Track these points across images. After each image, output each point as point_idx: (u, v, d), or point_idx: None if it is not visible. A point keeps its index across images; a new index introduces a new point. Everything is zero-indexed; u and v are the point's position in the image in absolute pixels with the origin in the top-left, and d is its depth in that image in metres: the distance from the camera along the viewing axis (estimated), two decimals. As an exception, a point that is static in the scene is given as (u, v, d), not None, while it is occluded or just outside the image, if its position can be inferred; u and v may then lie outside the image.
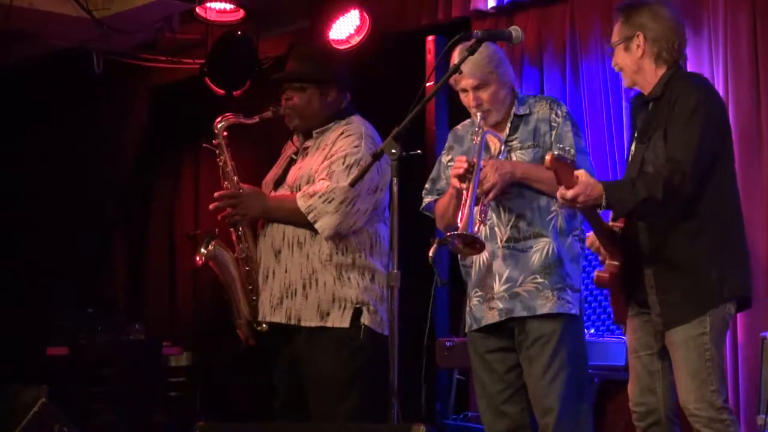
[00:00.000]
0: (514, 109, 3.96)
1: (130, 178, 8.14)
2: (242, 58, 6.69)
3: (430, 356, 5.45)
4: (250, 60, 6.71)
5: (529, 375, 3.87)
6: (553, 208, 3.90)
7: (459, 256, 3.97)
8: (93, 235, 7.89)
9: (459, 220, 3.64)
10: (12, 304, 7.09)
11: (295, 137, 4.34)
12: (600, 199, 3.42)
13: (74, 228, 7.62)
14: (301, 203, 4.04)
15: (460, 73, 3.69)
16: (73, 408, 5.59)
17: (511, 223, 3.89)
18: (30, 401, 5.02)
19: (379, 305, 4.09)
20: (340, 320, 4.05)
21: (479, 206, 3.76)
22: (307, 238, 4.09)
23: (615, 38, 3.71)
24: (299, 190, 4.10)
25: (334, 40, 6.29)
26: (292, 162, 4.29)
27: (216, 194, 4.15)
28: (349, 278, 4.07)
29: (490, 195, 3.77)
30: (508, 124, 3.96)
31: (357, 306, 4.04)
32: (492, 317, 3.88)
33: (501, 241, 3.88)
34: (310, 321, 4.06)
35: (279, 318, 4.10)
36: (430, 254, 3.72)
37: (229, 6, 6.50)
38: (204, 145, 4.28)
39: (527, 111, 3.96)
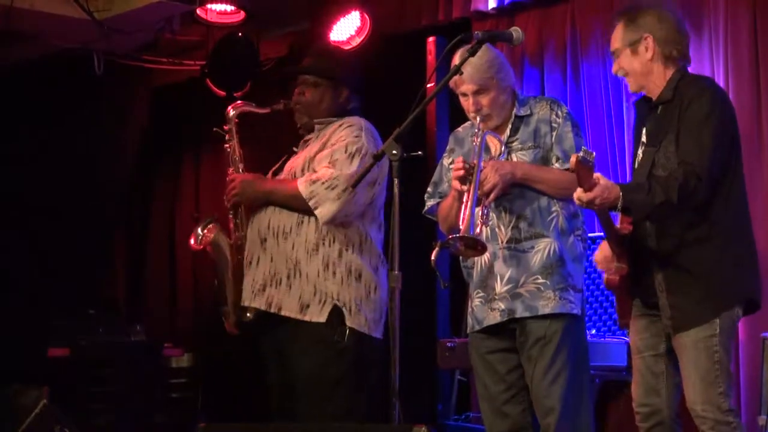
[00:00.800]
0: (514, 110, 3.96)
1: (131, 179, 8.15)
2: (243, 59, 6.69)
3: (431, 357, 5.46)
4: (250, 61, 6.71)
5: (530, 375, 3.86)
6: (553, 209, 3.90)
7: (460, 257, 3.97)
8: (93, 236, 7.89)
9: (460, 222, 3.64)
10: (12, 305, 7.09)
11: (302, 141, 4.35)
12: (617, 201, 3.42)
13: (75, 229, 7.62)
14: (303, 188, 4.04)
15: (461, 74, 3.69)
16: (73, 409, 5.60)
17: (512, 224, 3.88)
18: (31, 402, 5.04)
19: (363, 305, 4.08)
20: (318, 315, 4.04)
21: (480, 207, 3.76)
22: (293, 227, 4.09)
23: (617, 44, 3.69)
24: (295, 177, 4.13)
25: (334, 42, 6.28)
26: (292, 154, 4.31)
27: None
28: (333, 273, 4.06)
29: (491, 196, 3.77)
30: (509, 125, 3.96)
31: (337, 303, 4.04)
32: (494, 318, 3.88)
33: (502, 242, 3.88)
34: (290, 312, 4.06)
35: (259, 304, 4.11)
36: (433, 257, 3.71)
37: (229, 7, 6.50)
38: (214, 129, 4.33)
39: (528, 112, 3.96)
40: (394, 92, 4.79)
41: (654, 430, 3.65)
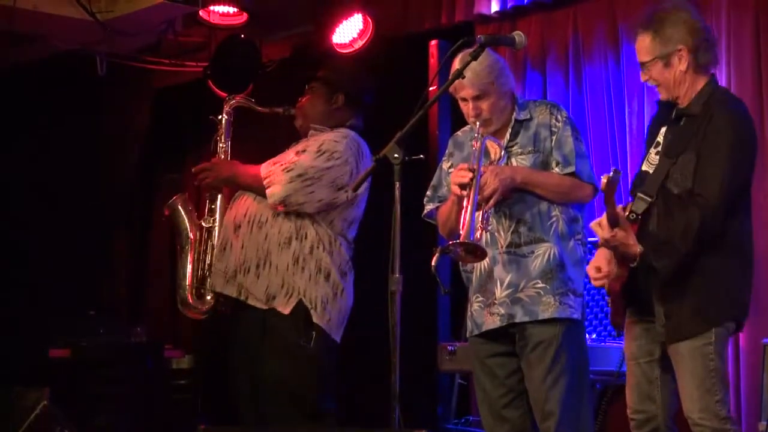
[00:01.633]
0: (514, 115, 3.96)
1: (133, 180, 8.14)
2: (245, 61, 6.68)
3: (432, 360, 5.45)
4: (253, 63, 6.71)
5: (529, 379, 3.87)
6: (553, 213, 3.90)
7: (460, 261, 3.97)
8: (94, 237, 7.88)
9: (461, 227, 3.64)
10: (13, 306, 7.09)
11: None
12: (633, 259, 3.46)
13: (75, 229, 7.62)
14: (263, 169, 4.16)
15: (463, 77, 3.69)
16: (74, 410, 5.59)
17: (511, 229, 3.88)
18: (31, 403, 5.04)
19: (329, 306, 4.12)
20: (284, 306, 4.08)
21: (480, 212, 3.75)
22: (269, 218, 4.15)
23: (647, 56, 3.62)
24: None
25: (337, 44, 6.28)
26: None
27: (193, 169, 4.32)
28: (302, 268, 4.11)
29: (491, 201, 3.77)
30: (509, 130, 3.95)
31: (303, 300, 4.08)
32: (493, 323, 3.88)
33: (502, 247, 3.88)
34: (257, 302, 4.12)
35: (231, 291, 4.18)
36: (433, 263, 3.70)
37: (232, 9, 6.49)
38: (210, 117, 4.45)
39: (528, 116, 3.96)
40: (396, 95, 4.79)
41: (649, 437, 3.65)
